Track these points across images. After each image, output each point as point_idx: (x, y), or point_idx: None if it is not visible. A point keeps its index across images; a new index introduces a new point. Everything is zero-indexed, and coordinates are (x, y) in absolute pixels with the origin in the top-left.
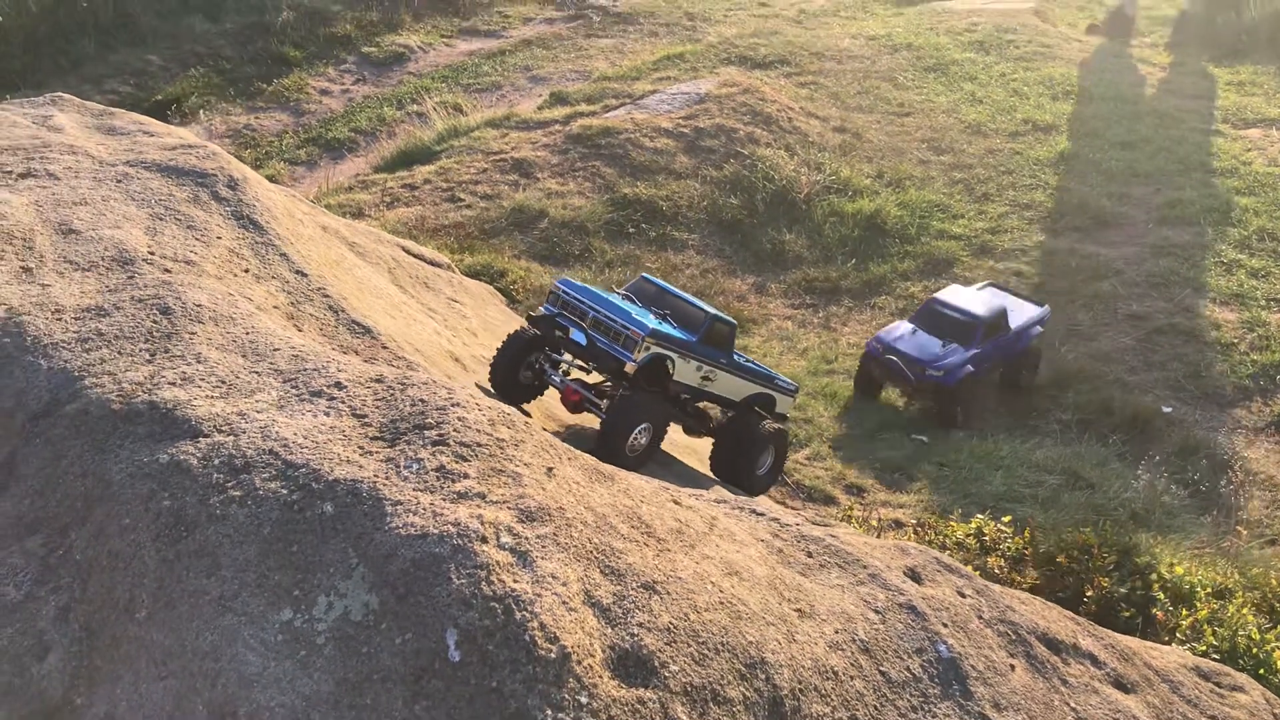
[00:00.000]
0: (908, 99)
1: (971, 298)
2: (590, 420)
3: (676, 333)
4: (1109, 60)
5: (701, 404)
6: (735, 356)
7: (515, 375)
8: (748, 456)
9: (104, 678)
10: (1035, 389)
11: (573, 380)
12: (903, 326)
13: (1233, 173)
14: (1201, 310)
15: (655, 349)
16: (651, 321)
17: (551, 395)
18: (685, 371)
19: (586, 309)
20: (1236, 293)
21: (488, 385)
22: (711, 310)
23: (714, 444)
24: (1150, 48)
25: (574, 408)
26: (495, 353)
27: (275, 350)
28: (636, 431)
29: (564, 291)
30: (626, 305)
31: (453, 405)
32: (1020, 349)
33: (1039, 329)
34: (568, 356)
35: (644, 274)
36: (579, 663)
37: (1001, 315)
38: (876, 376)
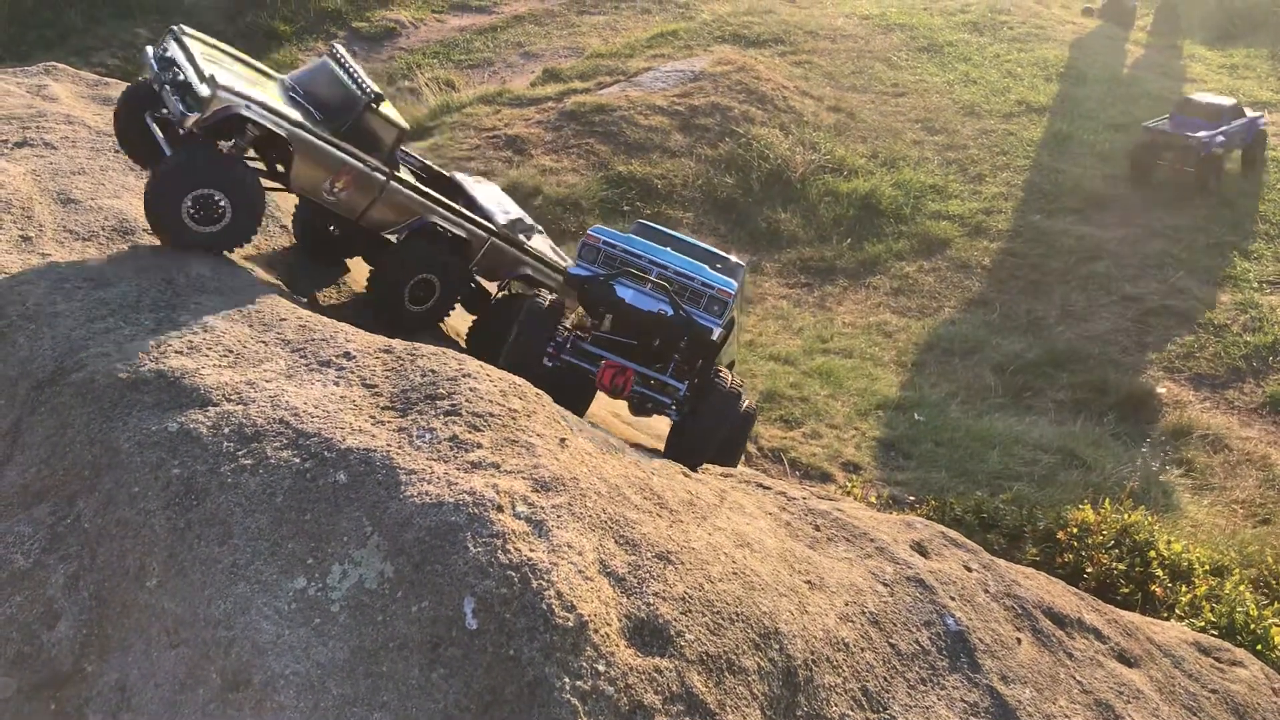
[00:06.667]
0: (902, 79)
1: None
2: None
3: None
4: (1103, 43)
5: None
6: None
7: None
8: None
9: (115, 646)
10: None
11: (612, 358)
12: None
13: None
14: (1195, 292)
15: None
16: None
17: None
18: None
19: (648, 265)
20: (1229, 275)
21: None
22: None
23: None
24: (1144, 31)
25: (616, 392)
26: (514, 338)
27: (282, 320)
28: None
29: (610, 244)
30: (674, 256)
31: (464, 375)
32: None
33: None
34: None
35: (640, 220)
36: (596, 631)
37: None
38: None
